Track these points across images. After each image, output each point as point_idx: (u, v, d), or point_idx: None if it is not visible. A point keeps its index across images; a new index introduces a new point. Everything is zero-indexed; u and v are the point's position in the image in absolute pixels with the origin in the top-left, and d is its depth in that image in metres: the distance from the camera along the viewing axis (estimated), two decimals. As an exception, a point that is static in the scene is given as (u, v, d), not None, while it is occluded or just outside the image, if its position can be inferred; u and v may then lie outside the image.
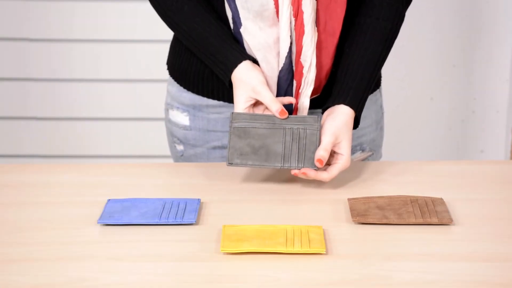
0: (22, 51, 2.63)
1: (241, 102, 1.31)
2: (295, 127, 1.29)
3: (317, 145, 1.28)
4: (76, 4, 2.59)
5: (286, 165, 1.28)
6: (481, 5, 2.62)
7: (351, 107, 1.32)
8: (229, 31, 1.35)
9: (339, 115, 1.31)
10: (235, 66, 1.32)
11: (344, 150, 1.30)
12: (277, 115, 1.29)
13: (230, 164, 1.27)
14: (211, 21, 1.35)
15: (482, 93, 2.71)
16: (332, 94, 1.34)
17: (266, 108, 1.32)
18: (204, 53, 1.36)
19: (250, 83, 1.30)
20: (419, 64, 2.68)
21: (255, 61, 1.34)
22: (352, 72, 1.34)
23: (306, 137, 1.29)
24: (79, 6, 2.59)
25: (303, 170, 1.27)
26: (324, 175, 1.28)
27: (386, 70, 1.60)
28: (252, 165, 1.28)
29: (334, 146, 1.30)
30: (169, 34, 1.45)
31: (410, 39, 2.59)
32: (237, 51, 1.33)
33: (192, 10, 1.35)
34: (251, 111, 1.32)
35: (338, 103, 1.32)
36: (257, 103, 1.33)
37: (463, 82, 2.70)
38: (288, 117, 1.29)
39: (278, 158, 1.28)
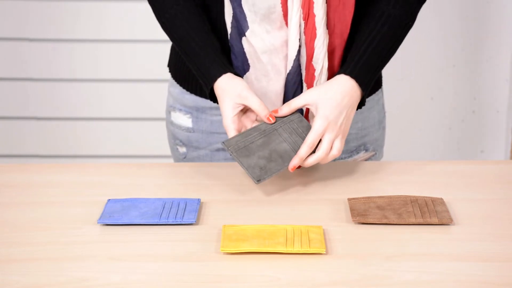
0: (22, 51, 2.63)
1: (229, 109, 1.29)
2: (283, 124, 1.29)
3: (310, 126, 1.28)
4: (76, 4, 2.59)
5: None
6: (482, 5, 2.62)
7: (348, 74, 1.29)
8: (218, 43, 1.34)
9: (329, 81, 1.29)
10: (215, 79, 1.31)
11: (318, 114, 1.26)
12: (266, 120, 1.28)
13: (259, 181, 1.24)
14: (201, 32, 1.34)
15: (482, 93, 2.71)
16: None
17: (254, 114, 1.31)
18: (190, 63, 1.35)
19: (234, 90, 1.29)
20: (419, 64, 2.69)
21: (237, 74, 1.32)
22: (354, 49, 1.32)
23: (298, 126, 1.29)
24: (79, 6, 2.60)
25: (292, 165, 1.26)
26: (310, 160, 1.27)
27: (386, 70, 1.60)
28: (277, 171, 1.26)
29: (311, 105, 1.28)
30: (169, 34, 1.45)
31: (410, 39, 2.58)
32: (219, 65, 1.32)
33: (185, 18, 1.35)
34: (240, 119, 1.30)
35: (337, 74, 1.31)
36: (245, 111, 1.32)
37: (463, 82, 2.70)
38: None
39: (292, 154, 1.28)
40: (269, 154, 1.27)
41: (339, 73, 1.30)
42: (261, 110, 1.28)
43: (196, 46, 1.34)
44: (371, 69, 1.31)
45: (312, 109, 1.28)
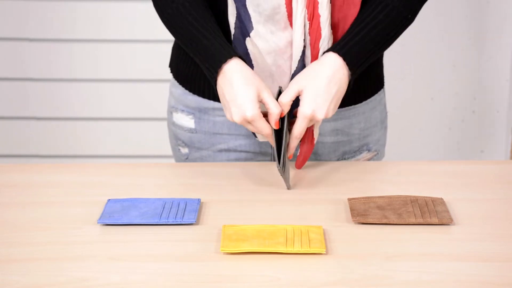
0: (22, 51, 2.63)
1: (253, 101, 1.25)
2: (282, 123, 1.30)
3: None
4: (76, 4, 2.59)
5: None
6: (482, 5, 2.62)
7: (336, 52, 1.28)
8: (223, 37, 1.34)
9: (317, 63, 1.29)
10: (225, 60, 1.27)
11: (304, 98, 1.26)
12: (274, 126, 1.26)
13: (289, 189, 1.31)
14: (207, 22, 1.32)
15: (482, 93, 2.71)
16: None
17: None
18: (195, 49, 1.32)
19: (257, 83, 1.26)
20: (420, 64, 2.69)
21: (243, 59, 1.30)
22: (347, 32, 1.31)
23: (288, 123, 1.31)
24: (79, 6, 2.60)
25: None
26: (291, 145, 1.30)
27: (387, 70, 1.60)
28: (287, 179, 1.30)
29: (299, 93, 1.28)
30: (169, 34, 1.45)
31: (411, 39, 2.59)
32: (229, 47, 1.29)
33: (188, 11, 1.33)
34: None
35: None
36: None
37: (463, 82, 2.70)
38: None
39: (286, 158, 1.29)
40: (285, 164, 1.29)
41: (327, 51, 1.29)
42: (275, 116, 1.26)
43: (204, 30, 1.31)
44: (362, 51, 1.30)
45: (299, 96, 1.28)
